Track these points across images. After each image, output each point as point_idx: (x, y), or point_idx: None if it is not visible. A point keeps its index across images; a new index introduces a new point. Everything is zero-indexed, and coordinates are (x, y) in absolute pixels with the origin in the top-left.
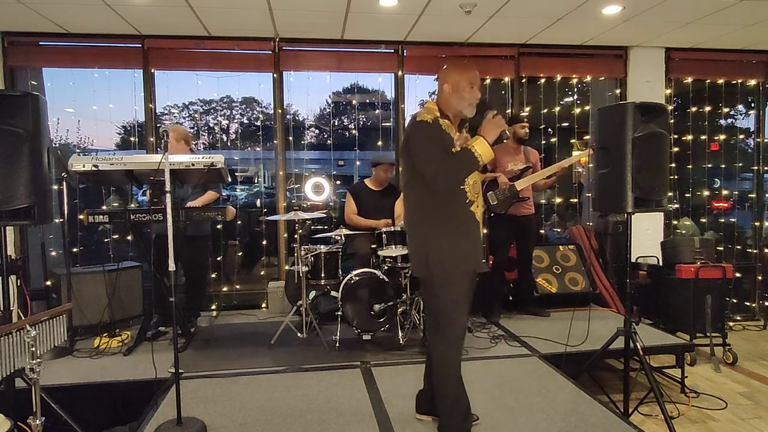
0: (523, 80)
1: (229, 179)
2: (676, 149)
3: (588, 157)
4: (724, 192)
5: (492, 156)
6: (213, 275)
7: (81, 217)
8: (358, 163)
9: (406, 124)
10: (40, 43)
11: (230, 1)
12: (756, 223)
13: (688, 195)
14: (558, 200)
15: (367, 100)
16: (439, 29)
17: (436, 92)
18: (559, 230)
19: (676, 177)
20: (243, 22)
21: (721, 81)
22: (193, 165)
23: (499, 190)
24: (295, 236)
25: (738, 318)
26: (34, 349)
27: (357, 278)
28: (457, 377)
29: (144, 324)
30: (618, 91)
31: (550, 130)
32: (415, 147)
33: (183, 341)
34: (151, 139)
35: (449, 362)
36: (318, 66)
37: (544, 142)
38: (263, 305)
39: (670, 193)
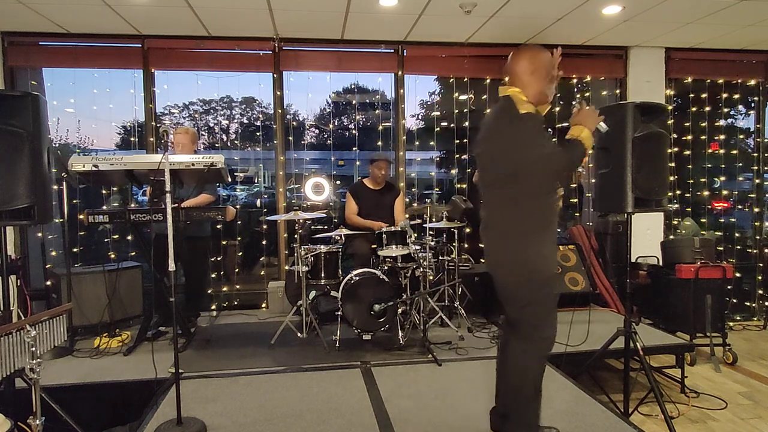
0: None
1: (229, 179)
2: (676, 149)
3: (588, 157)
4: (724, 192)
5: (592, 144)
6: (213, 275)
7: (81, 217)
8: (358, 163)
9: (496, 117)
10: (40, 43)
11: (230, 1)
12: (756, 223)
13: (688, 195)
14: None
15: (367, 100)
16: (439, 29)
17: (515, 78)
18: (559, 230)
19: (676, 177)
20: (243, 22)
21: (721, 81)
22: (193, 165)
23: None
24: (295, 236)
25: (738, 318)
26: (34, 349)
27: (357, 278)
28: (535, 391)
29: (144, 324)
30: (618, 91)
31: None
32: (526, 144)
33: (183, 341)
34: (151, 139)
35: (531, 374)
36: (318, 66)
37: None
38: (263, 305)
39: (670, 193)
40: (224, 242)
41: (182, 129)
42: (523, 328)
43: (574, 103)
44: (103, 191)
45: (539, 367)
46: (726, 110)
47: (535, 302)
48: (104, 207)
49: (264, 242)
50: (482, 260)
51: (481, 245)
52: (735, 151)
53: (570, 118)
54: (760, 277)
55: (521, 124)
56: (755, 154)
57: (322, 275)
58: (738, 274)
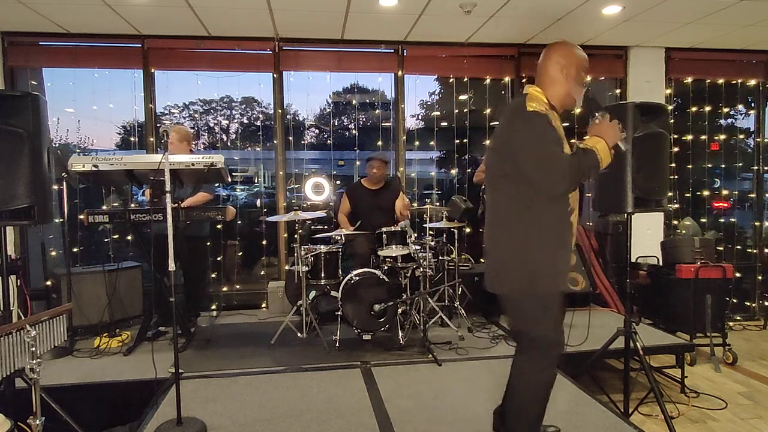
0: (524, 80)
1: (229, 179)
2: (676, 149)
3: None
4: (724, 192)
5: (609, 162)
6: (213, 275)
7: (81, 217)
8: (358, 163)
9: (506, 113)
10: (40, 43)
11: (230, 1)
12: (756, 223)
13: (688, 195)
14: None
15: (367, 100)
16: (439, 29)
17: (543, 74)
18: None
19: (676, 177)
20: (243, 22)
21: (721, 81)
22: (193, 165)
23: None
24: (295, 236)
25: (738, 318)
26: (34, 349)
27: (357, 278)
28: (543, 405)
29: (144, 324)
30: (618, 91)
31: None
32: (527, 143)
33: (183, 341)
34: (151, 139)
35: (542, 387)
36: (318, 66)
37: None
38: (263, 305)
39: (670, 193)
40: (224, 242)
41: (174, 128)
42: (523, 342)
43: (596, 114)
44: (103, 191)
45: (545, 386)
46: (726, 110)
47: (534, 316)
48: (104, 206)
49: (264, 242)
50: (482, 260)
51: (483, 245)
52: (735, 151)
53: (588, 128)
54: (760, 277)
55: (525, 122)
56: (755, 154)
57: (322, 275)
58: (738, 274)
